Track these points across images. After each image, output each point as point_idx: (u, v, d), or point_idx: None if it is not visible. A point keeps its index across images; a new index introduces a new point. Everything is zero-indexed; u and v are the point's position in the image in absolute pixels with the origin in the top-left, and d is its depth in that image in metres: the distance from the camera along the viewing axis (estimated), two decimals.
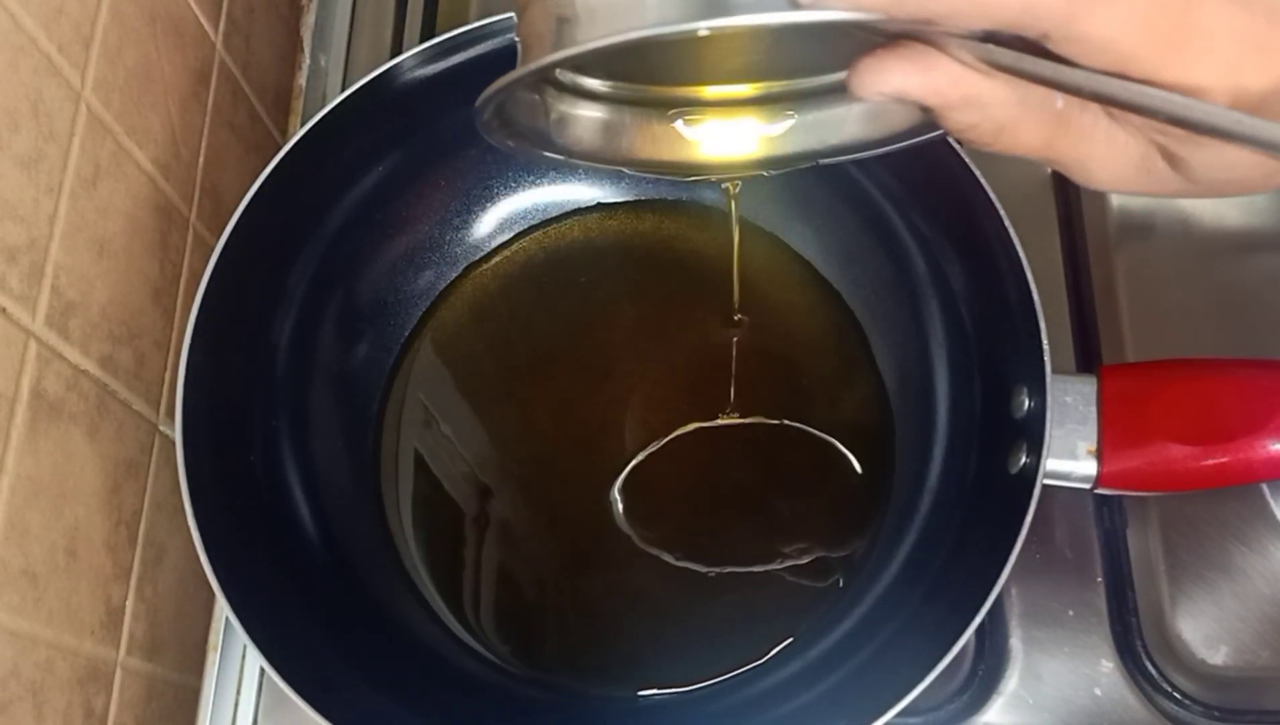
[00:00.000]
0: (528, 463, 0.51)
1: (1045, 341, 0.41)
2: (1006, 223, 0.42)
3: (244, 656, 0.50)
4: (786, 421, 0.50)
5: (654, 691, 0.46)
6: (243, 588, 0.40)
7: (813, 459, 0.51)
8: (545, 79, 0.33)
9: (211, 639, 0.50)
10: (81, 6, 0.40)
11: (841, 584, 0.48)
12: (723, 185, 0.44)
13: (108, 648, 0.42)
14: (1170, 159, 0.26)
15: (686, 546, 0.49)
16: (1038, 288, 0.41)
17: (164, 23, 0.46)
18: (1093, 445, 0.41)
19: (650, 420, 0.51)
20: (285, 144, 0.45)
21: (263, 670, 0.49)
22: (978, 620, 0.39)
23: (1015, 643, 0.47)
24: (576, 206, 0.55)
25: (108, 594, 0.42)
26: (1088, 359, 0.51)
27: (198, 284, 0.43)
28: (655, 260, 0.54)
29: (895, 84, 0.24)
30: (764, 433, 0.51)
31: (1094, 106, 0.25)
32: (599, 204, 0.55)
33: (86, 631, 0.40)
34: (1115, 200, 0.55)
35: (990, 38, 0.23)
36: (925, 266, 0.49)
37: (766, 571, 0.49)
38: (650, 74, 0.34)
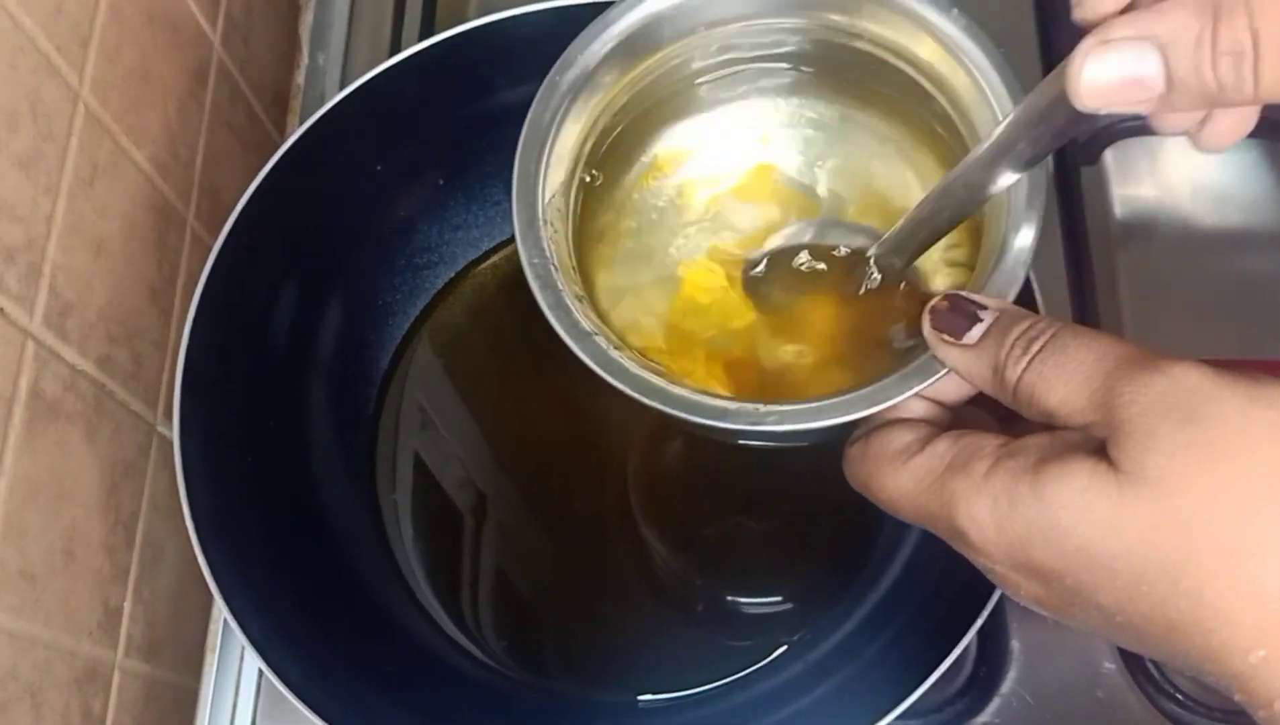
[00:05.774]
0: (526, 464, 0.51)
1: None
2: None
3: (242, 658, 0.49)
4: None
5: (653, 696, 0.46)
6: (240, 589, 0.40)
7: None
8: None
9: (209, 640, 0.50)
10: (80, 6, 0.39)
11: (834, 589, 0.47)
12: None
13: (106, 649, 0.42)
14: None
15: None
16: (1040, 287, 0.41)
17: (162, 22, 0.46)
18: None
19: (648, 421, 0.51)
20: (283, 143, 0.45)
21: (261, 671, 0.49)
22: (979, 622, 0.39)
23: (1016, 644, 0.47)
24: None
25: (106, 595, 0.42)
26: None
27: (196, 284, 0.43)
28: None
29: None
30: None
31: None
32: None
33: (84, 632, 0.40)
34: (1117, 201, 0.55)
35: None
36: None
37: (765, 574, 0.49)
38: None
